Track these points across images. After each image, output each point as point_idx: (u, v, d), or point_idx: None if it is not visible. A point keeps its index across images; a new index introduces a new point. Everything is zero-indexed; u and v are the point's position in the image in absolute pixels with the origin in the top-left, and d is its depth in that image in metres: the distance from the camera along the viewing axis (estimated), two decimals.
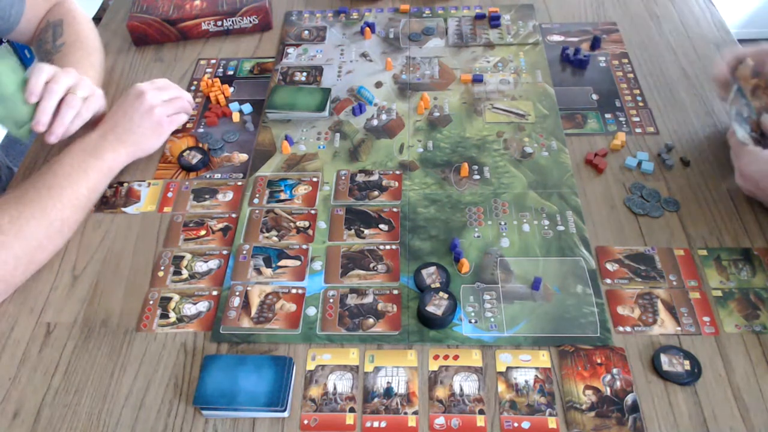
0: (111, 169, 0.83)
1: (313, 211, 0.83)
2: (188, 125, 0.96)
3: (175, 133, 0.94)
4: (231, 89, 1.02)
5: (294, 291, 0.74)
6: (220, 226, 0.81)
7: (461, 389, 0.65)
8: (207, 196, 0.85)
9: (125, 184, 0.87)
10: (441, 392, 0.65)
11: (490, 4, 1.17)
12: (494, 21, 1.11)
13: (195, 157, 0.89)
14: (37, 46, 0.99)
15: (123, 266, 0.78)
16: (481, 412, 0.63)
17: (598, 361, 0.66)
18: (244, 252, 0.78)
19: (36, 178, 0.77)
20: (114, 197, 0.86)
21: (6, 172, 1.11)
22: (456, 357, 0.67)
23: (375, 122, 0.95)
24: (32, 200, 0.75)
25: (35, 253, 0.74)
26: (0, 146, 2.15)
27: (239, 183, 0.87)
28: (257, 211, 0.83)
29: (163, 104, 0.89)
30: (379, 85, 1.01)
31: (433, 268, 0.75)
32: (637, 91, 0.98)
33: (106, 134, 0.84)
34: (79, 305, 0.74)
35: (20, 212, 0.73)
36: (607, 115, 0.94)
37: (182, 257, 0.78)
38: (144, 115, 0.86)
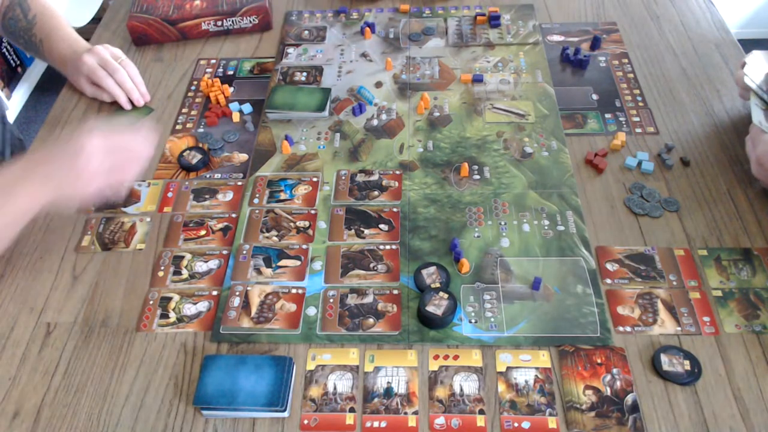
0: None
1: (313, 211, 0.83)
2: (188, 125, 0.96)
3: (175, 132, 0.94)
4: (231, 89, 1.02)
5: (294, 291, 0.74)
6: (220, 226, 0.81)
7: (461, 389, 0.65)
8: (207, 196, 0.85)
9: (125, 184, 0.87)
10: (441, 392, 0.65)
11: (490, 3, 1.17)
12: (494, 21, 1.11)
13: (195, 157, 0.89)
14: (9, 26, 0.99)
15: (123, 266, 0.78)
16: (481, 412, 0.63)
17: (598, 361, 0.66)
18: (244, 252, 0.78)
19: None
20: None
21: (17, 144, 1.11)
22: (456, 357, 0.67)
23: (375, 122, 0.95)
24: None
25: None
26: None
27: (239, 183, 0.87)
28: (257, 211, 0.83)
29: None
30: (379, 85, 1.01)
31: (433, 268, 0.75)
32: (637, 91, 0.98)
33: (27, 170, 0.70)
34: (79, 305, 0.74)
35: None
36: (607, 115, 0.94)
37: (182, 257, 0.78)
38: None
